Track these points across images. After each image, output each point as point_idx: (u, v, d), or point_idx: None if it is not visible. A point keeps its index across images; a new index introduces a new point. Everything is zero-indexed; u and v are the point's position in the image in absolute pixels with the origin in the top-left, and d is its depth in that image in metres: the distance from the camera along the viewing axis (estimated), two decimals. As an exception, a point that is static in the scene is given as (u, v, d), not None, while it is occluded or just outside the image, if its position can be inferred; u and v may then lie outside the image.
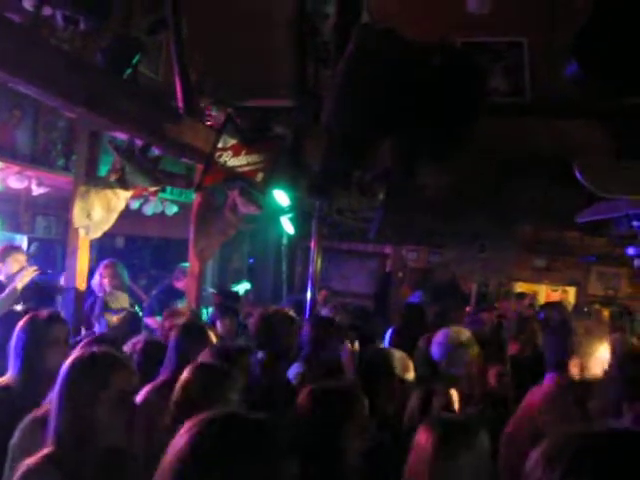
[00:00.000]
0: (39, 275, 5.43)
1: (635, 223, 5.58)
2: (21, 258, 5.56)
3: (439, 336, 4.06)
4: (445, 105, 5.16)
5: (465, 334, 4.10)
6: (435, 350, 4.01)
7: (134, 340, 3.97)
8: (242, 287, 7.16)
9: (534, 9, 5.54)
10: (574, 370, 2.96)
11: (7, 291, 5.16)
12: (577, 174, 2.36)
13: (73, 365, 2.37)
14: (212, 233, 5.89)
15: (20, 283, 5.15)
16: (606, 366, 2.99)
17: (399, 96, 5.10)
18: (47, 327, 3.20)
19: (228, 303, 6.13)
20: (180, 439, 1.46)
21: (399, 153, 5.97)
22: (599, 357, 2.98)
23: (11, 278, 5.33)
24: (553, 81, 5.34)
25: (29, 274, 5.22)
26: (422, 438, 2.29)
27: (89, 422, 2.26)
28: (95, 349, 2.43)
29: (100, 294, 5.66)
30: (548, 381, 3.08)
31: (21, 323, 3.20)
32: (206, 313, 6.48)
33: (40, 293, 5.48)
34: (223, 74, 5.13)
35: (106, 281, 6.07)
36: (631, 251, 5.87)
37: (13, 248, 5.64)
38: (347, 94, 5.16)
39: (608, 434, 1.26)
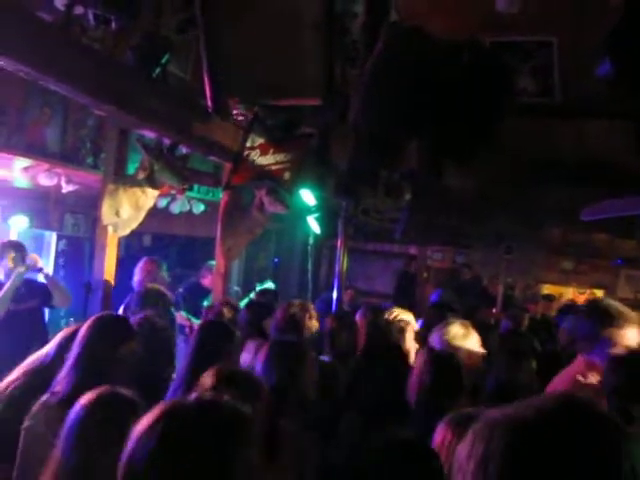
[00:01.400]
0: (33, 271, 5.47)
1: (665, 225, 5.50)
2: (19, 254, 5.50)
3: None
4: (472, 104, 5.14)
5: None
6: None
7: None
8: (266, 287, 7.18)
9: (564, 8, 5.48)
10: None
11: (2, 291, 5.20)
12: None
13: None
14: (239, 232, 5.91)
15: (11, 282, 5.19)
16: None
17: (427, 95, 5.08)
18: None
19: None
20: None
21: (426, 153, 5.95)
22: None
23: (8, 275, 5.34)
24: (582, 81, 5.28)
25: (21, 272, 5.26)
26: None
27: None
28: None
29: (138, 289, 5.71)
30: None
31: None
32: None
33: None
34: (251, 73, 5.13)
35: (144, 278, 6.11)
36: (661, 254, 5.78)
37: (11, 244, 5.62)
38: (375, 93, 5.15)
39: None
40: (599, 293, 9.78)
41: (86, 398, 2.23)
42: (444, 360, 3.39)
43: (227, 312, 4.93)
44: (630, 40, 3.06)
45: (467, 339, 4.06)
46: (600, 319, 3.12)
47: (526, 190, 7.23)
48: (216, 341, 3.44)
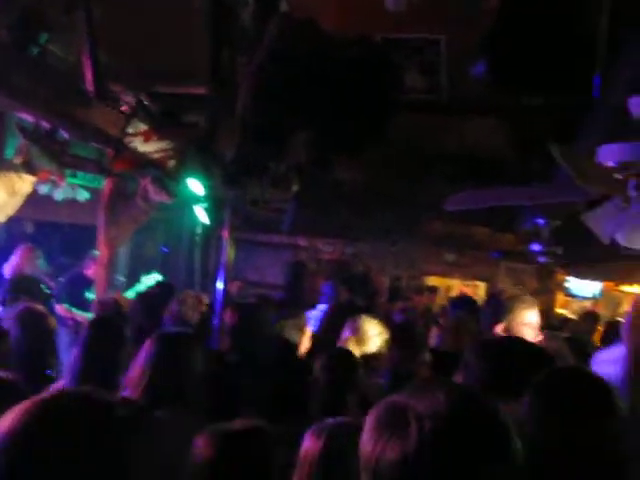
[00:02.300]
0: None
1: (539, 221, 5.76)
2: None
3: None
4: (360, 99, 5.21)
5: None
6: None
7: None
8: (152, 278, 7.04)
9: (452, 8, 5.62)
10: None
11: None
12: (558, 159, 2.44)
13: None
14: (123, 221, 5.78)
15: None
16: None
17: (315, 88, 5.11)
18: None
19: None
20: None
21: (314, 146, 5.99)
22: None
23: None
24: (467, 80, 5.44)
25: None
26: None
27: None
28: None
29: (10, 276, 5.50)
30: None
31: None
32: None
33: None
34: (136, 58, 5.00)
35: (19, 265, 5.87)
36: (535, 247, 6.07)
37: None
38: (263, 84, 5.14)
39: None
40: (481, 285, 10.16)
41: None
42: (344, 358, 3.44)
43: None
44: (503, 42, 3.17)
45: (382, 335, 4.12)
46: (495, 308, 3.26)
47: (412, 184, 7.42)
48: (105, 343, 3.28)
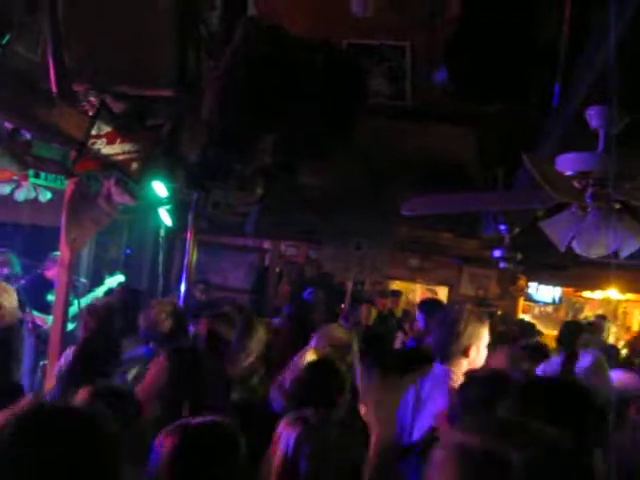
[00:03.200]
0: None
1: (501, 227, 5.85)
2: None
3: None
4: (325, 104, 5.23)
5: None
6: None
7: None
8: (115, 279, 6.99)
9: (417, 15, 5.67)
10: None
11: None
12: (527, 164, 2.48)
13: None
14: (85, 222, 5.70)
15: None
16: None
17: (281, 92, 5.12)
18: None
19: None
20: None
21: (280, 150, 6.00)
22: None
23: None
24: (431, 86, 5.50)
25: None
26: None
27: None
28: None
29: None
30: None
31: None
32: (77, 304, 6.27)
33: None
34: (101, 59, 4.96)
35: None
36: (497, 253, 6.16)
37: None
38: (229, 88, 5.13)
39: None
40: (444, 290, 10.26)
41: None
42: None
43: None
44: (464, 50, 3.22)
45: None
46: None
47: (377, 189, 7.47)
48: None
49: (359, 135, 5.95)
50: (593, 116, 2.63)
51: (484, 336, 3.19)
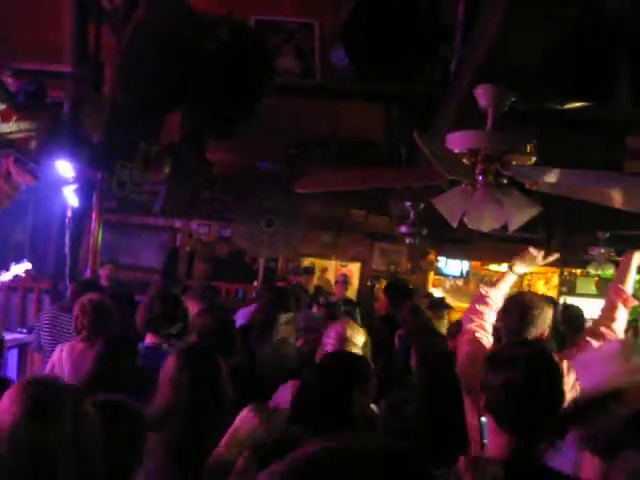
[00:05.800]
0: None
1: (407, 203, 5.97)
2: None
3: None
4: (231, 81, 5.18)
5: None
6: None
7: None
8: (22, 267, 6.75)
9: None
10: None
11: None
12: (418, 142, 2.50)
13: None
14: (-17, 203, 5.50)
15: None
16: None
17: (186, 68, 5.04)
18: None
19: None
20: None
21: (187, 127, 5.92)
22: None
23: None
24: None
25: None
26: None
27: None
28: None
29: None
30: None
31: None
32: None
33: None
34: (-2, 33, 4.78)
35: None
36: (403, 229, 6.28)
37: None
38: (132, 63, 5.02)
39: None
40: (356, 265, 10.38)
41: None
42: None
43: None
44: (359, 29, 3.25)
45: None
46: None
47: (288, 166, 7.48)
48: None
49: (270, 113, 5.93)
50: (481, 95, 2.71)
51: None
